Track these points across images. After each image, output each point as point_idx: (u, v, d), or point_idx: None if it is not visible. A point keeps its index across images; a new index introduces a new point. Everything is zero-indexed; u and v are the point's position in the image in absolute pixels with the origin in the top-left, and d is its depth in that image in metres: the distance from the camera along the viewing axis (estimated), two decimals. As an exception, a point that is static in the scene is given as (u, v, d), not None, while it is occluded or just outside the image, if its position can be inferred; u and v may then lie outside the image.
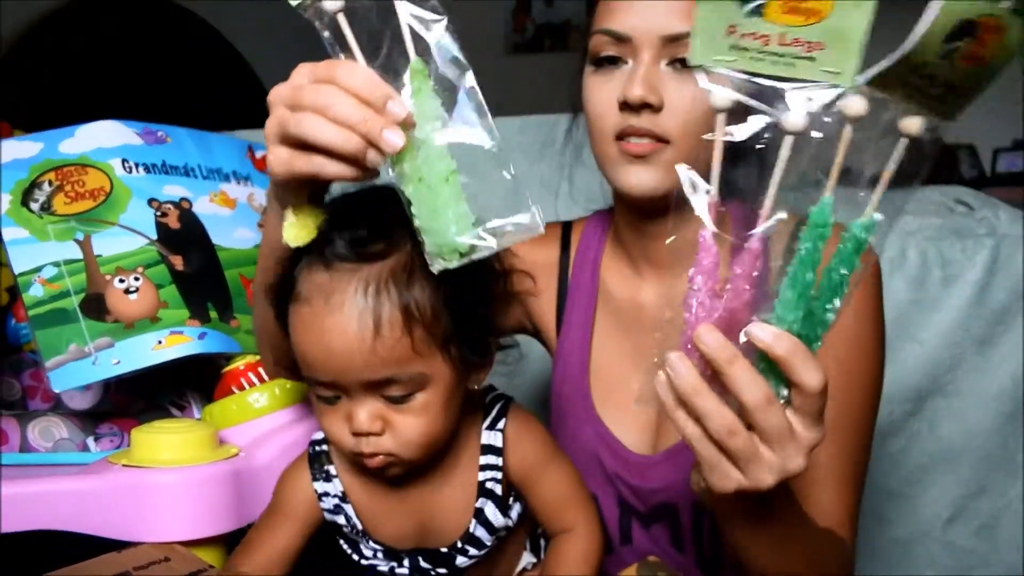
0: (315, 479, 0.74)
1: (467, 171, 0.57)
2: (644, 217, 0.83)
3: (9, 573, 0.83)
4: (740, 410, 0.53)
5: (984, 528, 1.21)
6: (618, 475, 0.84)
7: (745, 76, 0.52)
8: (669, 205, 0.78)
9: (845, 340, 0.76)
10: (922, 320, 1.21)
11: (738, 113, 0.53)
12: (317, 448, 0.75)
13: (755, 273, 0.53)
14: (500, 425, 0.74)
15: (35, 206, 0.87)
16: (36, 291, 0.83)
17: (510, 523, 0.75)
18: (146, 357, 0.84)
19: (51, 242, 0.85)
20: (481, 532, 0.74)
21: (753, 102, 0.52)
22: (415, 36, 0.56)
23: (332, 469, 0.74)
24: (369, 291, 0.62)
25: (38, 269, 0.84)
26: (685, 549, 0.82)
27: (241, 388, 0.90)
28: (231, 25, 3.00)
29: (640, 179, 0.76)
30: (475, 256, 0.57)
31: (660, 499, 0.82)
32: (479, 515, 0.73)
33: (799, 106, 0.51)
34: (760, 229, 0.53)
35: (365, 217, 0.65)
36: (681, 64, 0.74)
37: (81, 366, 0.82)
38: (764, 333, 0.51)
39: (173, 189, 0.95)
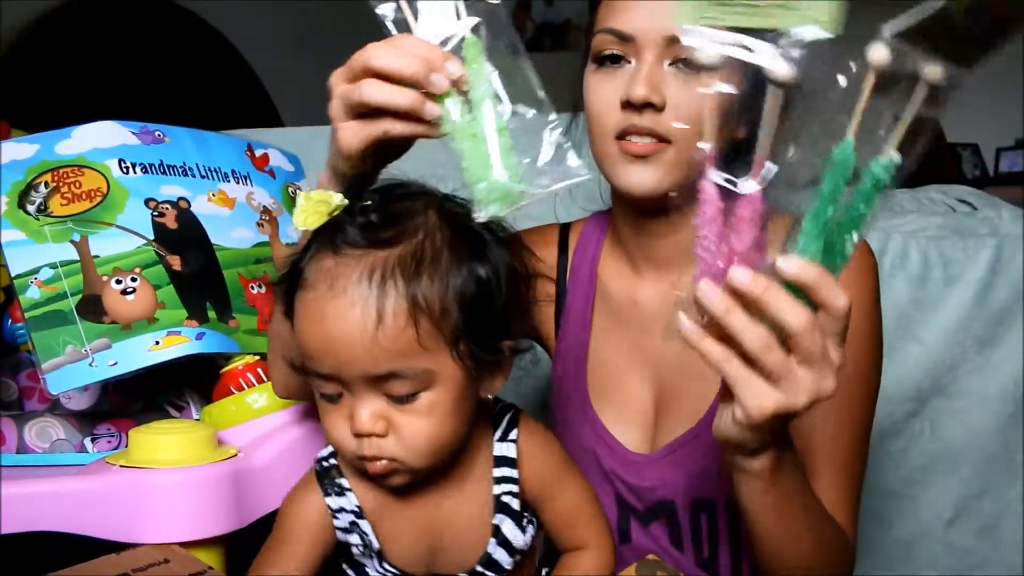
0: (327, 494, 0.69)
1: (516, 136, 0.63)
2: (643, 216, 0.83)
3: (8, 574, 0.83)
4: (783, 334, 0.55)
5: (985, 529, 1.21)
6: (616, 473, 0.84)
7: (732, 32, 0.54)
8: (667, 203, 0.79)
9: None
10: (923, 320, 1.20)
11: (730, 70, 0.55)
12: (325, 463, 0.71)
13: (756, 216, 0.56)
14: (512, 436, 0.71)
15: (31, 208, 0.86)
16: (33, 293, 0.83)
17: (527, 544, 0.72)
18: (143, 358, 0.83)
19: (48, 244, 0.85)
20: (501, 554, 0.70)
21: (741, 55, 0.54)
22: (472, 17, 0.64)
23: (344, 482, 0.69)
24: (374, 277, 0.60)
25: (35, 271, 0.84)
26: (684, 548, 0.83)
27: (240, 388, 0.90)
28: (231, 25, 3.00)
29: (641, 179, 0.76)
30: (523, 203, 0.62)
31: (658, 496, 0.82)
32: (497, 533, 0.70)
33: (784, 55, 0.53)
34: (757, 173, 0.55)
35: (380, 205, 0.63)
36: (684, 64, 0.74)
37: (78, 368, 0.82)
38: (790, 264, 0.54)
39: (171, 189, 0.94)
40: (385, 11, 0.64)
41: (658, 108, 0.74)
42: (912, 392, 1.21)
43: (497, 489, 0.70)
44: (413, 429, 0.62)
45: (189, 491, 0.76)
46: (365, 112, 0.64)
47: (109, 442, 0.91)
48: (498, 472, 0.71)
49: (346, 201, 0.64)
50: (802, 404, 0.55)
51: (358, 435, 0.63)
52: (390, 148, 0.70)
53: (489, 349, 0.65)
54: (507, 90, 0.63)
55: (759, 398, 0.55)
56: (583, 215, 0.97)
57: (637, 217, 0.84)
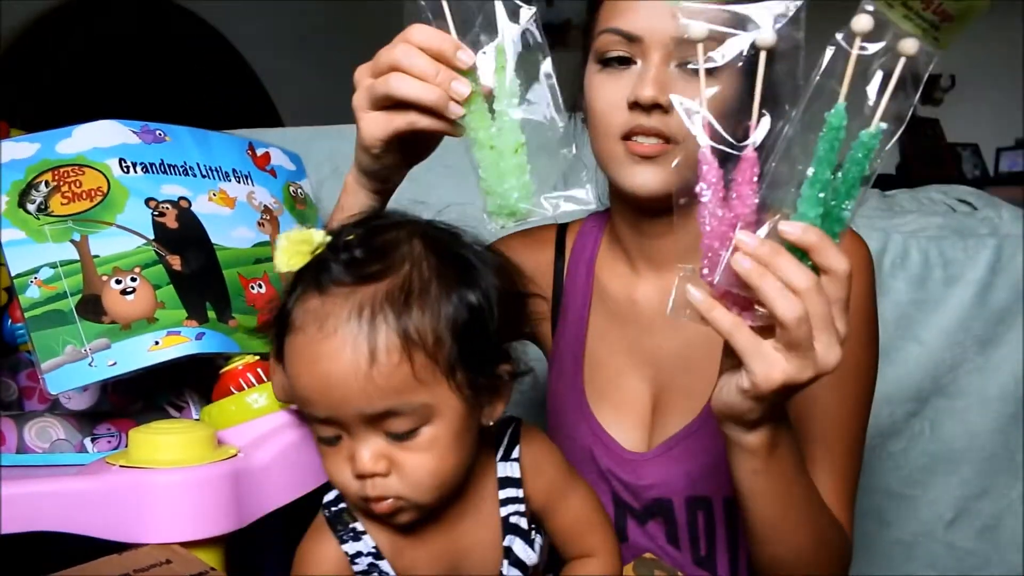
0: (343, 541, 0.67)
1: (534, 146, 0.65)
2: (643, 216, 0.83)
3: (8, 574, 0.83)
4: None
5: (986, 529, 1.21)
6: (612, 472, 0.84)
7: (715, 7, 0.58)
8: (670, 204, 0.79)
9: None
10: (924, 320, 1.20)
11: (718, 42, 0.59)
12: (334, 508, 0.69)
13: (755, 178, 0.58)
14: (515, 454, 0.71)
15: (32, 207, 0.86)
16: (32, 293, 0.83)
17: (537, 560, 0.72)
18: (142, 358, 0.83)
19: (48, 243, 0.85)
20: (515, 574, 0.70)
21: (725, 28, 0.59)
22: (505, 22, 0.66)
23: (358, 525, 0.68)
24: (364, 314, 0.59)
25: (35, 270, 0.84)
26: (681, 546, 0.83)
27: (240, 388, 0.90)
28: (231, 25, 3.00)
29: (646, 179, 0.76)
30: (530, 220, 0.66)
31: (654, 495, 0.82)
32: (509, 554, 0.70)
33: (767, 23, 0.57)
34: (752, 137, 0.58)
35: (363, 239, 0.62)
36: (690, 66, 0.74)
37: (77, 368, 0.82)
38: (793, 227, 0.56)
39: (171, 188, 0.94)
40: (427, 8, 0.67)
41: (665, 109, 0.74)
42: (912, 392, 1.21)
43: (504, 511, 0.70)
44: (416, 465, 0.61)
45: (189, 491, 0.76)
46: (390, 106, 0.66)
47: (109, 442, 0.91)
48: (503, 494, 0.70)
49: (328, 238, 0.63)
50: (808, 376, 0.56)
51: (360, 476, 0.61)
52: (415, 147, 0.71)
53: (487, 376, 0.64)
54: (531, 98, 0.66)
55: (768, 369, 0.56)
56: (581, 215, 0.97)
57: (636, 217, 0.84)
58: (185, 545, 0.75)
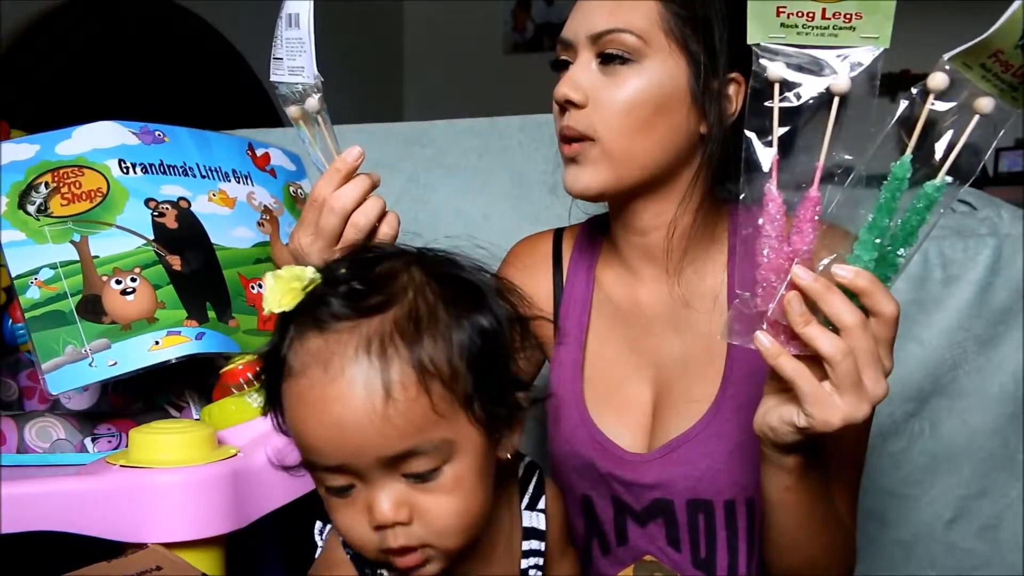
0: None
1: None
2: (621, 209, 0.83)
3: (8, 574, 0.83)
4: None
5: (986, 529, 1.21)
6: (612, 474, 0.84)
7: (795, 49, 0.60)
8: (625, 199, 0.80)
9: None
10: (923, 320, 1.20)
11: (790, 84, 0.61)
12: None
13: (816, 217, 0.60)
14: (541, 504, 0.66)
15: (32, 208, 0.86)
16: (33, 293, 0.83)
17: None
18: (142, 358, 0.83)
19: (48, 244, 0.85)
20: None
21: (800, 75, 0.60)
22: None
23: (385, 572, 0.63)
24: (373, 348, 0.54)
25: (35, 271, 0.84)
26: (681, 548, 0.83)
27: (240, 388, 0.90)
28: (231, 25, 2.99)
29: (574, 179, 0.78)
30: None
31: (656, 495, 0.82)
32: None
33: (843, 71, 0.59)
34: (818, 179, 0.60)
35: (357, 272, 0.58)
36: (604, 58, 0.76)
37: (78, 368, 0.82)
38: (846, 271, 0.58)
39: (171, 189, 0.94)
40: (295, 113, 0.84)
41: (579, 105, 0.75)
42: (912, 392, 1.21)
43: (525, 563, 0.65)
44: (440, 509, 0.56)
45: (189, 491, 0.76)
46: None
47: (109, 442, 0.91)
48: (527, 545, 0.66)
49: (319, 275, 0.58)
50: (864, 413, 0.59)
51: (380, 527, 0.56)
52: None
53: (504, 405, 0.59)
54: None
55: (828, 415, 0.59)
56: (580, 217, 0.97)
57: (617, 213, 0.84)
58: (185, 545, 0.75)
